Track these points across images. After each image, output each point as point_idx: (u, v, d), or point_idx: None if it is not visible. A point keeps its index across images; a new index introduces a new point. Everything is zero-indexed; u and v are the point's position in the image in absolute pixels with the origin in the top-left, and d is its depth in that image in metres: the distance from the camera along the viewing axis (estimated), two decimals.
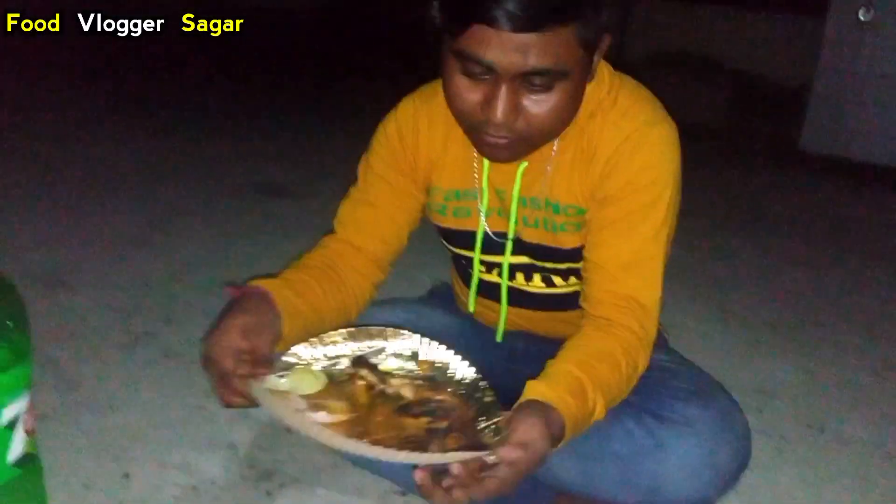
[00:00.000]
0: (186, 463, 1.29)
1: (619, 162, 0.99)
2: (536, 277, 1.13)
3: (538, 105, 0.88)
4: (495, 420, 0.79)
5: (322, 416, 0.80)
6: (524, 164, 1.03)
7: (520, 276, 1.14)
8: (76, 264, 2.07)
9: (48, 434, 1.26)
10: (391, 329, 0.94)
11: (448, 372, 0.90)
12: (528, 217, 1.07)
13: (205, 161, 3.36)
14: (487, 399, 0.84)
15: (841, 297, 2.42)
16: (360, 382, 0.86)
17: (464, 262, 1.19)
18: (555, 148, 1.02)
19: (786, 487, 1.41)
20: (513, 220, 1.08)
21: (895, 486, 1.45)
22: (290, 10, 9.04)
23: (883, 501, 1.41)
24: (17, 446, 0.96)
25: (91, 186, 2.79)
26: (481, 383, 0.87)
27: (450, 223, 1.14)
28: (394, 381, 0.86)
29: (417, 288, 1.62)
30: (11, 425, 0.94)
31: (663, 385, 1.05)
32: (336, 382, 0.87)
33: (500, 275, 1.15)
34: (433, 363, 0.91)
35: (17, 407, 0.94)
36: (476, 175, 1.08)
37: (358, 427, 0.78)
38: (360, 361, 0.89)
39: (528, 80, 0.86)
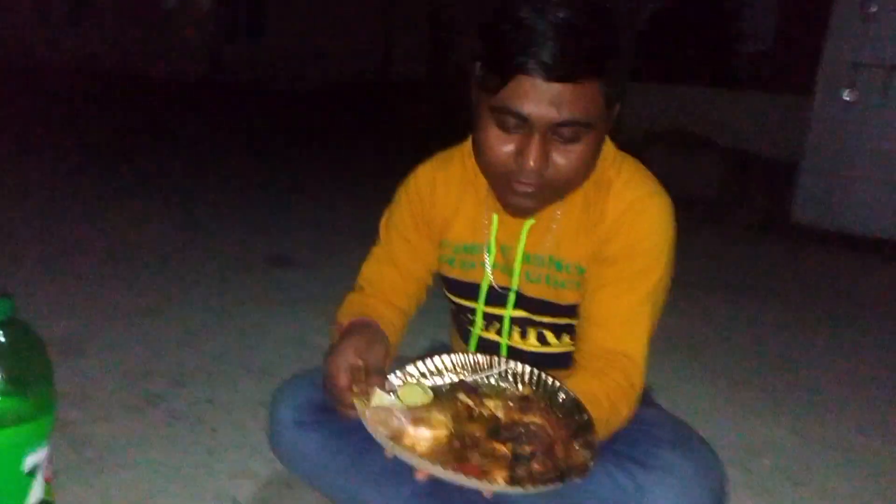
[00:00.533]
0: None
1: (621, 227, 1.10)
2: (531, 334, 1.22)
3: (566, 155, 1.00)
4: (587, 437, 0.88)
5: (423, 431, 0.89)
6: (530, 223, 1.15)
7: (515, 334, 1.23)
8: (92, 332, 2.17)
9: (60, 490, 1.32)
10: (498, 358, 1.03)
11: (550, 390, 0.96)
12: (531, 272, 1.17)
13: (217, 234, 3.50)
14: (585, 418, 0.90)
15: (829, 361, 2.48)
16: (460, 404, 0.94)
17: (464, 316, 1.27)
18: (559, 211, 1.13)
19: None
20: (516, 273, 1.17)
21: None
22: (298, 87, 9.40)
23: None
24: (37, 492, 1.03)
25: (110, 260, 2.92)
26: (579, 405, 0.93)
27: (456, 274, 1.24)
28: (489, 403, 0.94)
29: (415, 351, 1.70)
30: (33, 472, 1.01)
31: (646, 434, 1.11)
32: (440, 398, 0.96)
33: (498, 332, 1.23)
34: (540, 383, 0.98)
35: (38, 456, 1.01)
36: (485, 231, 1.19)
37: (451, 451, 0.87)
38: (462, 384, 0.99)
39: (558, 131, 0.98)
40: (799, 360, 2.47)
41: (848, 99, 4.45)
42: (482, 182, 1.16)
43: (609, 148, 1.14)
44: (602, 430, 1.01)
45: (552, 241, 1.15)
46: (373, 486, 1.14)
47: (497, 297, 1.21)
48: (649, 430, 1.13)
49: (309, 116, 7.92)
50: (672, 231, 1.12)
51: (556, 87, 0.94)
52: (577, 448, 0.87)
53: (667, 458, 1.05)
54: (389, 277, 1.26)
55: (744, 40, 14.82)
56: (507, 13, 0.96)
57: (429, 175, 1.24)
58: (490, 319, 1.24)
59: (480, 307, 1.22)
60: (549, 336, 1.22)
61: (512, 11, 0.96)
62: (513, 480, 0.82)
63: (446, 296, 1.29)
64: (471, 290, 1.23)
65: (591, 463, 0.84)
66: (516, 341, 1.23)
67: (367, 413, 0.90)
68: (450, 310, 1.36)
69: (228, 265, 3.01)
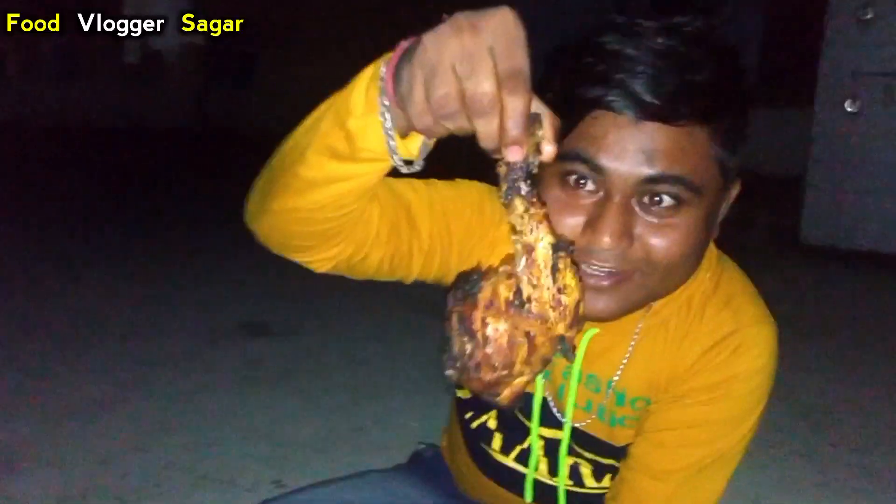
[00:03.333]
0: None
1: (715, 359, 0.80)
2: (562, 470, 0.92)
3: (661, 233, 0.68)
4: None
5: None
6: (593, 331, 0.83)
7: (542, 465, 0.93)
8: (29, 441, 1.89)
9: None
10: None
11: None
12: (580, 397, 0.87)
13: (186, 305, 3.22)
14: None
15: (872, 410, 2.20)
16: None
17: (480, 432, 0.96)
18: (639, 325, 0.83)
19: None
20: (573, 393, 0.86)
21: None
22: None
23: None
24: None
25: (62, 347, 2.64)
26: None
27: None
28: None
29: (403, 442, 1.42)
30: None
31: None
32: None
33: (520, 460, 0.94)
34: None
35: None
36: None
37: None
38: None
39: (649, 194, 0.67)
40: (838, 410, 2.19)
41: (850, 109, 4.23)
42: None
43: (708, 249, 0.82)
44: None
45: (616, 364, 0.84)
46: None
47: (550, 417, 0.90)
48: None
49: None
50: (773, 376, 0.82)
51: (648, 129, 0.65)
52: None
53: None
54: (412, 206, 0.80)
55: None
56: (589, 42, 0.69)
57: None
58: (513, 441, 0.95)
59: (535, 430, 0.91)
60: (586, 474, 0.93)
61: (595, 39, 0.69)
62: None
63: (464, 392, 0.97)
64: (524, 405, 0.90)
65: None
66: (542, 473, 0.94)
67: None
68: (454, 409, 1.04)
69: (197, 338, 2.73)
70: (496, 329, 0.53)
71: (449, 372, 0.55)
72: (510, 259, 0.55)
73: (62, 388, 2.24)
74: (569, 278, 0.54)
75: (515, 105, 0.48)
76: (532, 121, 0.52)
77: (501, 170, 0.53)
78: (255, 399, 2.16)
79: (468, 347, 0.53)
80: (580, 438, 0.89)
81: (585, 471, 0.93)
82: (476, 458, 1.01)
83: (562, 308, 0.54)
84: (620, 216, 0.67)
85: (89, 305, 3.17)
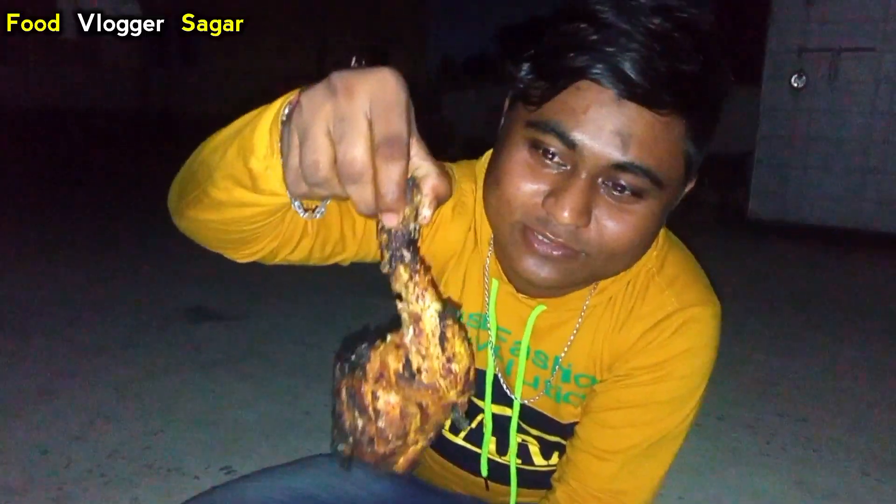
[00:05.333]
0: None
1: (657, 339, 0.80)
2: (514, 444, 0.92)
3: (618, 218, 0.67)
4: None
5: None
6: (540, 308, 0.82)
7: (492, 444, 0.93)
8: None
9: None
10: None
11: None
12: (527, 373, 0.86)
13: (129, 290, 3.13)
14: None
15: (815, 381, 2.25)
16: None
17: None
18: (587, 302, 0.82)
19: None
20: (521, 371, 0.85)
21: None
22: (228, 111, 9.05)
23: None
24: None
25: (4, 333, 2.53)
26: None
27: None
28: None
29: None
30: None
31: None
32: None
33: (469, 439, 0.94)
34: None
35: None
36: (483, 300, 0.85)
37: None
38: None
39: (615, 178, 0.66)
40: (781, 382, 2.24)
41: (796, 86, 4.30)
42: (486, 231, 0.83)
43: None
44: None
45: (563, 341, 0.84)
46: None
47: (499, 394, 0.89)
48: None
49: None
50: (715, 356, 0.82)
51: (629, 111, 0.63)
52: None
53: None
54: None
55: None
56: (585, 9, 0.66)
57: (467, 188, 0.84)
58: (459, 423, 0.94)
59: (488, 409, 0.90)
60: (534, 452, 0.93)
61: (591, 6, 0.66)
62: None
63: None
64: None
65: None
66: (491, 452, 0.94)
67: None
68: None
69: (143, 324, 2.66)
70: (388, 402, 0.51)
71: (341, 447, 0.53)
72: (397, 330, 0.53)
73: (2, 377, 2.15)
74: (458, 346, 0.52)
75: (390, 172, 0.45)
76: (411, 186, 0.49)
77: (382, 238, 0.50)
78: (202, 385, 2.11)
79: (360, 422, 0.52)
80: (527, 415, 0.89)
81: (533, 448, 0.93)
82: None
83: (452, 376, 0.52)
84: (584, 194, 0.66)
85: (30, 292, 3.05)
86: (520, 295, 0.80)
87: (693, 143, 0.67)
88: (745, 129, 4.72)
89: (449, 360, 0.51)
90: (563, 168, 0.67)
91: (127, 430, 1.84)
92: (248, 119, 0.58)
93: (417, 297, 0.51)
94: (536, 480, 0.94)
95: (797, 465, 1.76)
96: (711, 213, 4.71)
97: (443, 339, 0.51)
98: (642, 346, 0.80)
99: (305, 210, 0.58)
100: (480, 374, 0.88)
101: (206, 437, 1.82)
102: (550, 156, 0.67)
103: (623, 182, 0.66)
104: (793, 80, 4.30)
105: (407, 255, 0.50)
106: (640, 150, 0.64)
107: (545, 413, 0.88)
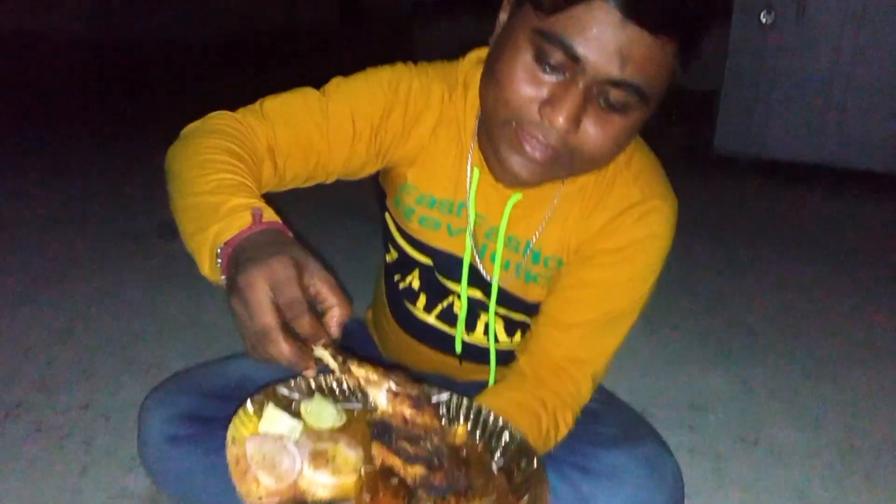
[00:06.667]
0: None
1: (621, 226, 0.89)
2: (479, 326, 1.02)
3: (602, 126, 0.75)
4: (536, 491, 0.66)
5: (322, 475, 0.64)
6: (516, 197, 0.90)
7: (460, 323, 1.02)
8: None
9: None
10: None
11: (491, 430, 0.73)
12: (501, 257, 0.95)
13: (104, 205, 3.14)
14: (533, 467, 0.68)
15: (764, 298, 2.38)
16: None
17: (407, 289, 1.04)
18: (558, 193, 0.91)
19: None
20: (499, 256, 0.94)
21: (835, 497, 1.38)
22: (191, 44, 8.82)
23: None
24: None
25: None
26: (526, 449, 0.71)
27: (414, 231, 0.98)
28: (412, 470, 0.64)
29: None
30: None
31: (586, 432, 0.95)
32: (353, 423, 0.71)
33: (442, 317, 1.03)
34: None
35: None
36: (464, 189, 0.93)
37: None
38: (375, 427, 0.66)
39: (607, 92, 0.73)
40: (733, 299, 2.36)
41: (765, 21, 4.34)
42: (470, 124, 0.91)
43: None
44: (540, 445, 0.86)
45: (535, 227, 0.93)
46: None
47: (478, 279, 0.98)
48: (591, 427, 0.97)
49: (204, 72, 7.39)
50: (670, 245, 0.92)
51: (631, 33, 0.70)
52: None
53: (611, 460, 0.89)
54: (305, 131, 0.86)
55: None
56: None
57: (435, 87, 0.91)
58: (432, 303, 1.03)
59: (464, 290, 0.98)
60: (499, 330, 1.02)
61: None
62: None
63: (392, 256, 1.05)
64: (447, 263, 0.98)
65: None
66: (460, 331, 1.03)
67: (241, 444, 0.64)
68: (382, 275, 1.12)
69: (113, 238, 2.68)
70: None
71: None
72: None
73: None
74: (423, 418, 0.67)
75: (300, 323, 0.61)
76: (322, 313, 0.65)
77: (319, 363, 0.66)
78: (174, 293, 2.15)
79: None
80: (497, 295, 0.97)
81: (498, 326, 1.02)
82: (399, 318, 1.09)
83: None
84: (579, 102, 0.73)
85: (3, 207, 3.04)
86: (498, 184, 0.88)
87: (680, 64, 0.75)
88: (715, 66, 4.77)
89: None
90: (561, 77, 0.74)
91: (106, 334, 1.90)
92: (196, 229, 0.78)
93: (367, 386, 0.67)
94: (502, 358, 1.03)
95: (745, 370, 1.89)
96: (679, 147, 4.80)
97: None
98: (608, 231, 0.90)
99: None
100: (457, 258, 0.97)
101: (182, 337, 1.89)
102: (552, 66, 0.73)
103: (613, 95, 0.73)
104: (762, 15, 4.34)
105: (339, 368, 0.66)
106: (635, 69, 0.71)
107: (513, 293, 0.97)
